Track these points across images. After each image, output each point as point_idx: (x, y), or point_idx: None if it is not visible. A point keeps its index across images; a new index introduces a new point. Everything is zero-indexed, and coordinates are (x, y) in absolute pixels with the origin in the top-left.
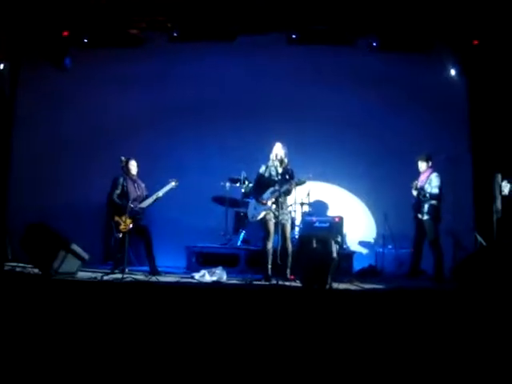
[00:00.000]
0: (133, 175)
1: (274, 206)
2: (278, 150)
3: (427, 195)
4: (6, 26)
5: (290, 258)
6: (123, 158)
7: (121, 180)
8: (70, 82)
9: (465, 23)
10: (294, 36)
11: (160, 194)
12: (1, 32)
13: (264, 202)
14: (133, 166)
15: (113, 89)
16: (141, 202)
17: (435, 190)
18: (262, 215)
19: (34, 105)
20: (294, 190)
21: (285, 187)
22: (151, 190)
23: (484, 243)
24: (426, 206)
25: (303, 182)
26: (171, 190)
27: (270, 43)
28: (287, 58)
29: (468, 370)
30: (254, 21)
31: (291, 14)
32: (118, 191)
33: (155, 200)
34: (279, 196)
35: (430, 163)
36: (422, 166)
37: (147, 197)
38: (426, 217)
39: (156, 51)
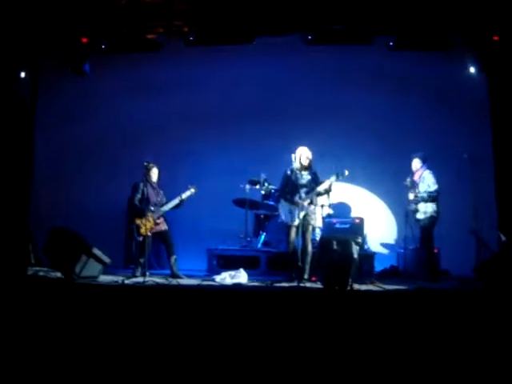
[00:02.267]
0: (153, 181)
1: (311, 207)
2: (307, 154)
3: (425, 195)
4: (26, 33)
5: (309, 260)
6: (146, 164)
7: (141, 185)
8: (89, 88)
9: (484, 19)
10: (310, 37)
11: (182, 197)
12: (20, 39)
13: (300, 202)
14: (154, 174)
15: (131, 94)
16: (161, 206)
17: (433, 188)
18: (301, 216)
19: (54, 110)
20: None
21: (321, 186)
22: (171, 195)
23: (505, 240)
24: (422, 205)
25: (342, 175)
26: (191, 196)
27: (288, 44)
28: (305, 59)
29: (493, 371)
30: (271, 22)
31: (308, 14)
32: (139, 195)
33: (176, 205)
34: (313, 196)
35: (425, 162)
36: (417, 164)
37: (166, 203)
38: (421, 216)
39: (173, 56)
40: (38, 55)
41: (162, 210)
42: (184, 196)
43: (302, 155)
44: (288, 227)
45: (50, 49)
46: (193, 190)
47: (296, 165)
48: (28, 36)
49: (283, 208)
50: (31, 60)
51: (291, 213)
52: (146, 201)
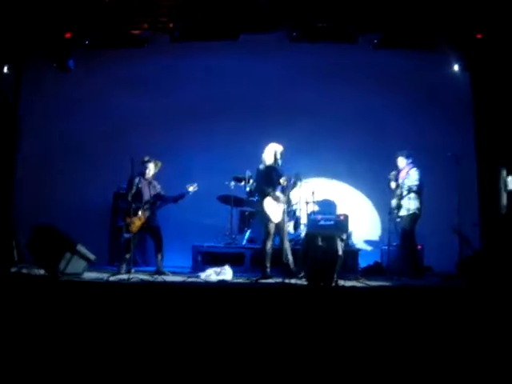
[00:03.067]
0: (148, 177)
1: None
2: (281, 150)
3: (406, 189)
4: (9, 28)
5: (290, 256)
6: (143, 159)
7: (136, 181)
8: (74, 84)
9: (468, 17)
10: (295, 34)
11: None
12: (3, 34)
13: (283, 198)
14: (149, 170)
15: (116, 89)
16: (154, 204)
17: (415, 183)
18: (282, 212)
19: (38, 106)
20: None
21: (291, 183)
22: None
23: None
24: (405, 202)
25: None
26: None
27: (274, 42)
28: (290, 56)
29: (475, 367)
30: (256, 19)
31: (293, 11)
32: (132, 191)
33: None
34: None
35: (410, 160)
36: (402, 162)
37: (164, 197)
38: (404, 212)
39: (159, 51)
40: (22, 50)
41: (154, 207)
42: (181, 194)
43: (277, 151)
44: (269, 224)
45: (33, 44)
46: (192, 189)
47: (271, 161)
48: (11, 30)
49: (268, 205)
50: (14, 54)
51: (274, 209)
52: (138, 197)
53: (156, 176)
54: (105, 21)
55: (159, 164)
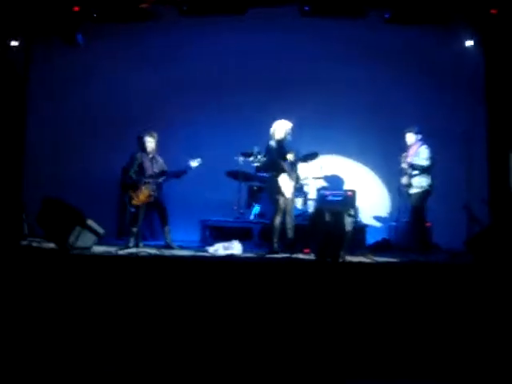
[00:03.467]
0: (149, 152)
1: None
2: (290, 126)
3: (417, 168)
4: (17, 2)
5: (291, 232)
6: (140, 135)
7: (138, 156)
8: (83, 58)
9: None
10: (306, 8)
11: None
12: (11, 8)
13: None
14: (149, 143)
15: (126, 64)
16: (157, 178)
17: (425, 162)
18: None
19: (48, 81)
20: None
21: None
22: (168, 166)
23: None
24: (416, 180)
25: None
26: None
27: (282, 16)
28: (300, 31)
29: (481, 345)
30: None
31: None
32: (134, 167)
33: (176, 176)
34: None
35: (420, 136)
36: (411, 138)
37: (165, 172)
38: (415, 190)
39: (167, 25)
40: (30, 24)
41: (157, 181)
42: (184, 168)
43: (287, 128)
44: (281, 199)
45: (42, 18)
46: (196, 164)
47: (282, 136)
48: (19, 4)
49: (281, 179)
50: (23, 29)
51: (287, 184)
52: (141, 172)
53: (162, 150)
54: None
55: (154, 134)
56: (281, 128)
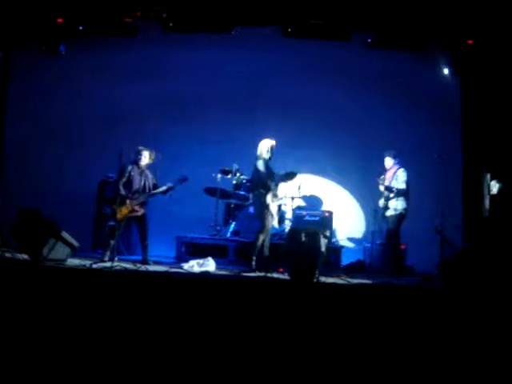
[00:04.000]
0: (141, 166)
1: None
2: (274, 144)
3: (394, 191)
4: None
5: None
6: (137, 148)
7: (128, 168)
8: (65, 70)
9: (459, 22)
10: (289, 30)
11: (170, 186)
12: None
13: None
14: (144, 158)
15: (107, 77)
16: (142, 194)
17: (402, 186)
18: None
19: (27, 92)
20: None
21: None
22: None
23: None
24: (392, 203)
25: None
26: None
27: (267, 36)
28: (283, 52)
29: (453, 365)
30: (251, 13)
31: (287, 7)
32: (124, 179)
33: (161, 193)
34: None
35: (397, 160)
36: (389, 162)
37: (156, 186)
38: (390, 213)
39: (151, 41)
40: (12, 33)
41: (144, 197)
42: (171, 185)
43: (273, 146)
44: (269, 218)
45: (24, 28)
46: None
47: (269, 155)
48: (1, 13)
49: (269, 199)
50: (4, 38)
51: (274, 204)
52: (128, 185)
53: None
54: (97, 7)
55: (153, 154)
56: (267, 146)
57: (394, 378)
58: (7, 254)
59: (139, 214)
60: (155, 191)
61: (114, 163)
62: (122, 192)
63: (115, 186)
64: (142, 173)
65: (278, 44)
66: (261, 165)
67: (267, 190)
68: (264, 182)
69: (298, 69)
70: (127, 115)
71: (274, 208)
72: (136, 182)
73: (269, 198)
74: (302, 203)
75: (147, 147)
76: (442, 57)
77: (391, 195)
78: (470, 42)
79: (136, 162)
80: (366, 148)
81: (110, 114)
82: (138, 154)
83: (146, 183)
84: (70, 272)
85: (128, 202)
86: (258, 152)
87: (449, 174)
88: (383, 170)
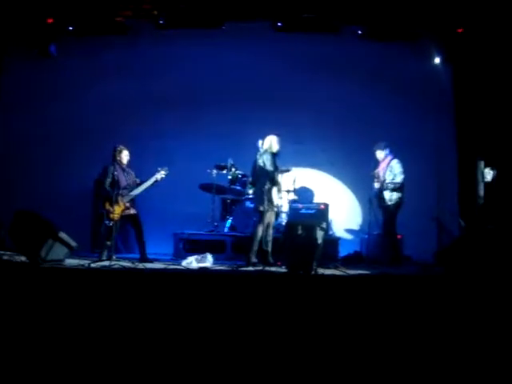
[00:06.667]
0: (123, 164)
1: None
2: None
3: (390, 185)
4: None
5: (270, 244)
6: (118, 147)
7: (111, 168)
8: (56, 70)
9: (449, 11)
10: (279, 24)
11: (157, 178)
12: None
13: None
14: (125, 156)
15: (99, 77)
16: (131, 190)
17: (399, 178)
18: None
19: (19, 93)
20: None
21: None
22: (142, 178)
23: (466, 227)
24: (389, 194)
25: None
26: (162, 178)
27: (257, 31)
28: (274, 46)
29: (452, 354)
30: (241, 8)
31: (277, 1)
32: (109, 179)
33: (147, 187)
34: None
35: (388, 150)
36: (380, 154)
37: (138, 184)
38: (386, 203)
39: (143, 39)
40: (1, 35)
41: (133, 194)
42: (158, 177)
43: (275, 142)
44: (269, 211)
45: (14, 30)
46: (163, 172)
47: (276, 149)
48: None
49: (274, 192)
50: None
51: (272, 198)
52: (116, 184)
53: (135, 162)
54: (87, 6)
55: (128, 151)
56: (275, 141)
57: (396, 367)
58: (5, 257)
59: (131, 212)
60: (144, 185)
61: (108, 161)
62: (110, 191)
63: (102, 188)
64: (124, 171)
65: (270, 38)
66: (268, 159)
67: (274, 184)
68: (272, 177)
69: (290, 63)
70: (121, 113)
71: (276, 202)
72: (122, 180)
73: (274, 191)
74: (296, 196)
75: (123, 145)
76: (433, 46)
77: (387, 186)
78: (460, 30)
79: (117, 160)
80: (360, 139)
81: (103, 113)
82: (119, 153)
83: (131, 180)
84: (69, 272)
85: (119, 199)
86: (266, 146)
87: (443, 162)
88: (375, 164)
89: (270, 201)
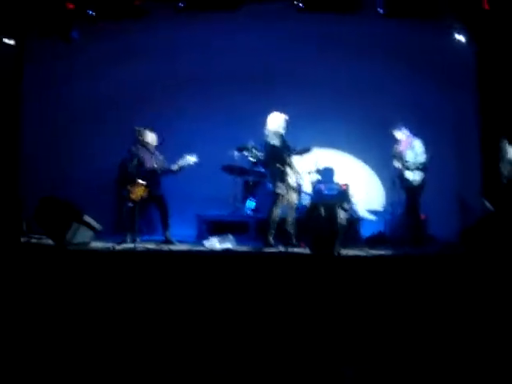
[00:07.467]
0: (148, 144)
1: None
2: (286, 119)
3: (412, 165)
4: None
5: (295, 226)
6: (137, 128)
7: (133, 150)
8: (78, 55)
9: None
10: (300, 4)
11: (180, 165)
12: (5, 6)
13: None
14: (149, 137)
15: (120, 61)
16: (156, 172)
17: (421, 157)
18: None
19: (43, 79)
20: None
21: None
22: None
23: (491, 208)
24: (412, 175)
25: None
26: (189, 165)
27: (277, 12)
28: (294, 27)
29: (473, 334)
30: None
31: None
32: (134, 162)
33: (173, 172)
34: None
35: (408, 130)
36: (399, 135)
37: (164, 168)
38: (412, 184)
39: (162, 22)
40: (24, 20)
41: (156, 176)
42: (182, 164)
43: (286, 120)
44: (285, 193)
45: (35, 15)
46: (194, 159)
47: (282, 130)
48: (11, 2)
49: (289, 173)
50: (17, 25)
51: (287, 180)
52: (139, 166)
53: (159, 146)
54: None
55: (153, 133)
56: (280, 120)
57: (420, 344)
58: (33, 240)
59: (155, 194)
60: (167, 169)
61: (130, 144)
62: (132, 172)
63: (125, 169)
64: (150, 153)
65: (289, 19)
66: (275, 139)
67: (284, 163)
68: (281, 156)
69: (310, 44)
70: (142, 97)
71: (292, 182)
72: (147, 161)
73: (288, 171)
74: (319, 177)
75: (147, 126)
76: (456, 24)
77: (411, 167)
78: (486, 6)
79: (140, 142)
80: (381, 118)
81: (125, 97)
82: (140, 134)
83: (157, 163)
84: (95, 255)
85: (140, 182)
86: (271, 127)
87: (466, 141)
88: (396, 144)
89: (285, 182)
